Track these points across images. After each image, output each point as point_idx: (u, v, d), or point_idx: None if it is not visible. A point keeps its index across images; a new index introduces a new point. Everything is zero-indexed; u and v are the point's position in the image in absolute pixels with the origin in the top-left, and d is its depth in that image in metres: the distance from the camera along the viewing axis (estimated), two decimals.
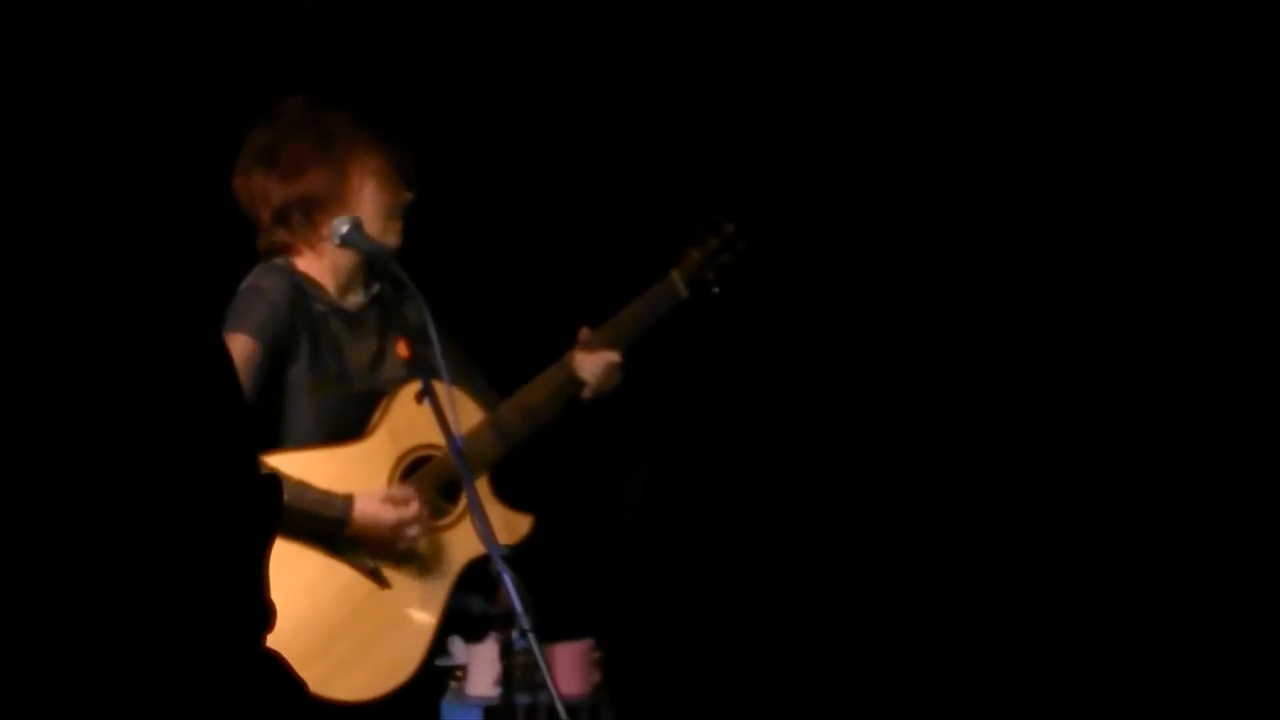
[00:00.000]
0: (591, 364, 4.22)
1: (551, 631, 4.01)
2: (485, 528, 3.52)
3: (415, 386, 3.84)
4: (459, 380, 4.02)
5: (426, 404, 3.71)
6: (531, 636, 3.46)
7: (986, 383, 5.37)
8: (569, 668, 4.60)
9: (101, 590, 1.39)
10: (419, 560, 4.10)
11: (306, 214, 3.99)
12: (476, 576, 4.44)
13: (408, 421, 4.00)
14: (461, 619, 4.71)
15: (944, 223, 5.39)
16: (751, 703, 5.31)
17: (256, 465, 1.49)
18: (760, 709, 5.31)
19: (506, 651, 3.86)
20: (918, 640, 5.29)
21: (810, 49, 5.41)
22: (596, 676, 4.91)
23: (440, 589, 4.13)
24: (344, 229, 3.92)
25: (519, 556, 3.61)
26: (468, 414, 4.18)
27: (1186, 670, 5.10)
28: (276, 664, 1.48)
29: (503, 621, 4.73)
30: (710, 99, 5.38)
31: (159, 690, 1.40)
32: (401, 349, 3.90)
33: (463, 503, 4.09)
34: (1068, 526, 5.25)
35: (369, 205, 4.03)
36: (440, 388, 3.87)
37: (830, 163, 5.44)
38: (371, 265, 4.00)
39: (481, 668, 4.82)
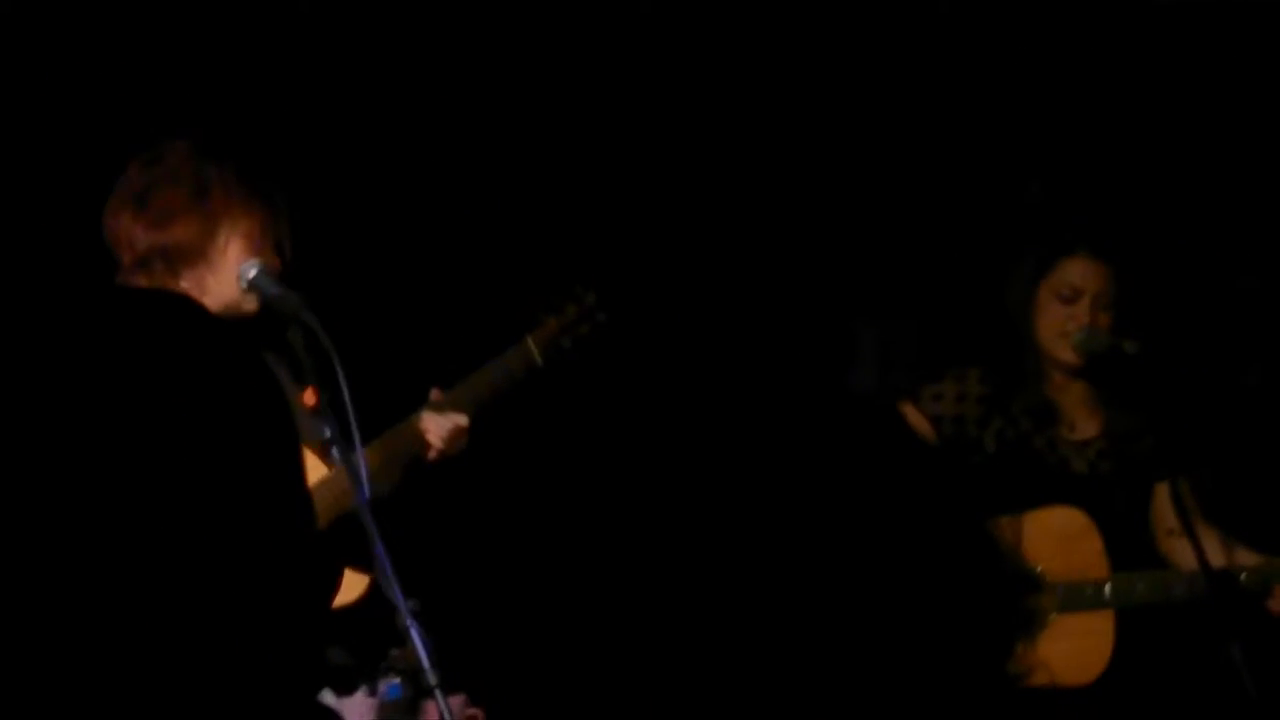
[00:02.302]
0: (438, 426, 4.16)
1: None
2: (393, 582, 3.48)
3: None
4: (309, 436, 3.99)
5: (335, 457, 3.65)
6: (439, 693, 3.43)
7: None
8: None
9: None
10: None
11: (169, 264, 3.88)
12: (343, 628, 4.38)
13: None
14: (325, 671, 4.65)
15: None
16: None
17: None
18: None
19: (410, 706, 3.82)
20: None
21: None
22: None
23: None
24: (252, 272, 3.86)
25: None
26: (309, 467, 4.11)
27: None
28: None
29: (373, 674, 4.69)
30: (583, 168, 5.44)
31: None
32: (309, 397, 3.85)
33: None
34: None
35: (231, 266, 3.93)
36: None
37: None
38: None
39: None
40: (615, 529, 5.47)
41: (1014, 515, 4.69)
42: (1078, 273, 4.75)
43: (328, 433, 3.69)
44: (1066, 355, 4.76)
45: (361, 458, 3.61)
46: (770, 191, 5.68)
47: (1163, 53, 5.50)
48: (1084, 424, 4.82)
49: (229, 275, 3.90)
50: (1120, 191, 5.54)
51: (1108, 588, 4.67)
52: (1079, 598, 4.67)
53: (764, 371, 5.56)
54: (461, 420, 4.16)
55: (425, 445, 4.17)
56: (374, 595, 3.80)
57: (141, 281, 3.90)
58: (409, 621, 3.44)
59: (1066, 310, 4.75)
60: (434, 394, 4.21)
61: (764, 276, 5.66)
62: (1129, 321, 4.73)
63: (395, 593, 3.46)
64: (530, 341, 4.34)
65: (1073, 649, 4.65)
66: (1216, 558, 4.60)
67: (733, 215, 5.67)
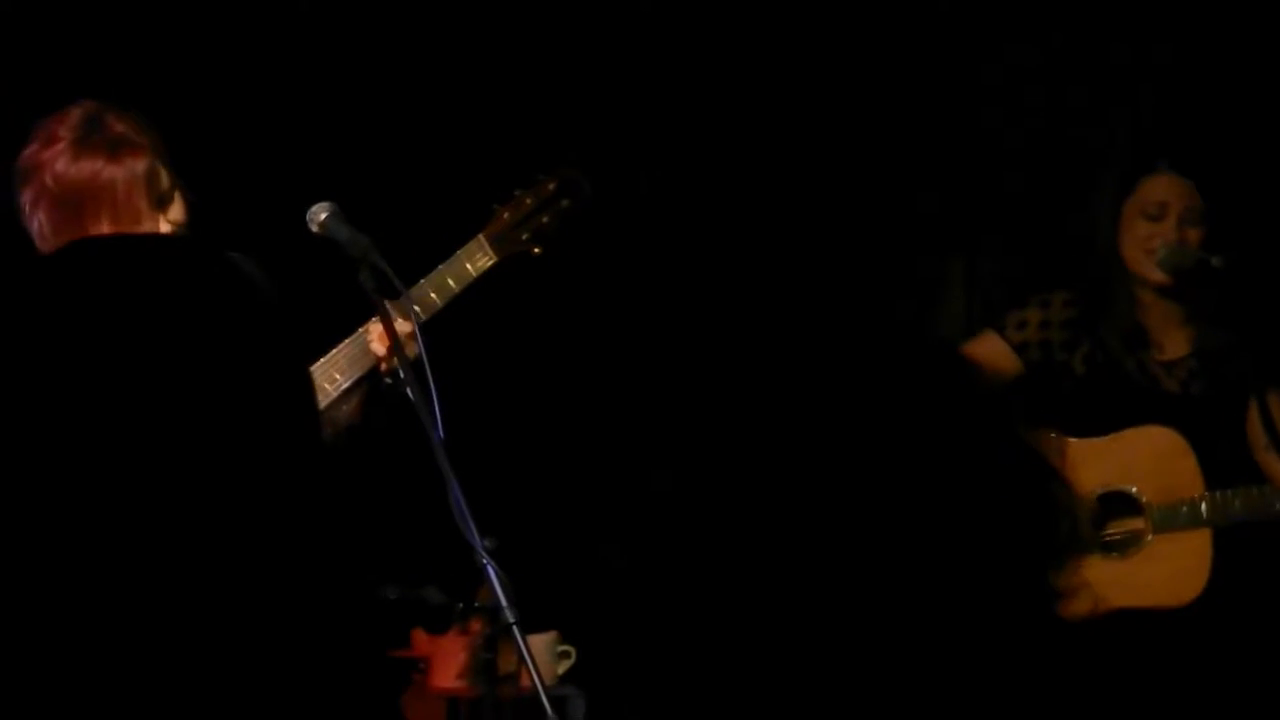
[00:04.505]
0: (388, 336, 3.94)
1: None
2: (469, 521, 3.47)
3: None
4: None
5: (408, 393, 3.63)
6: (516, 630, 3.42)
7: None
8: (535, 660, 4.58)
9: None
10: None
11: None
12: (437, 568, 4.38)
13: None
14: (422, 611, 4.67)
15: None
16: (720, 691, 5.31)
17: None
18: (729, 697, 5.31)
19: (489, 645, 3.83)
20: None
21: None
22: (561, 668, 4.90)
23: None
24: (322, 215, 3.83)
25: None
26: None
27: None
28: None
29: (466, 614, 4.70)
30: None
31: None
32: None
33: None
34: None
35: None
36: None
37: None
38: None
39: (445, 660, 4.80)
40: (705, 464, 5.45)
41: (1106, 437, 4.66)
42: (1162, 189, 4.70)
43: (401, 374, 3.68)
44: (1153, 273, 4.70)
45: (435, 399, 3.59)
46: (856, 122, 5.64)
47: None
48: (1173, 344, 4.77)
49: None
50: (1202, 107, 5.46)
51: (1204, 506, 4.63)
52: (1175, 517, 4.63)
53: (844, 306, 5.53)
54: (406, 327, 3.96)
55: (375, 356, 4.02)
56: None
57: None
58: (485, 560, 3.43)
59: (1152, 227, 4.70)
60: (380, 303, 4.09)
61: (849, 209, 5.63)
62: (1217, 237, 4.68)
63: (470, 532, 3.45)
64: (482, 238, 4.16)
65: (1170, 570, 4.61)
66: None
67: (816, 148, 5.63)
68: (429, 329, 4.00)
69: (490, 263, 4.14)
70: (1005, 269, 5.64)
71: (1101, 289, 4.76)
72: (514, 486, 5.06)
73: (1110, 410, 4.69)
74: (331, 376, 3.96)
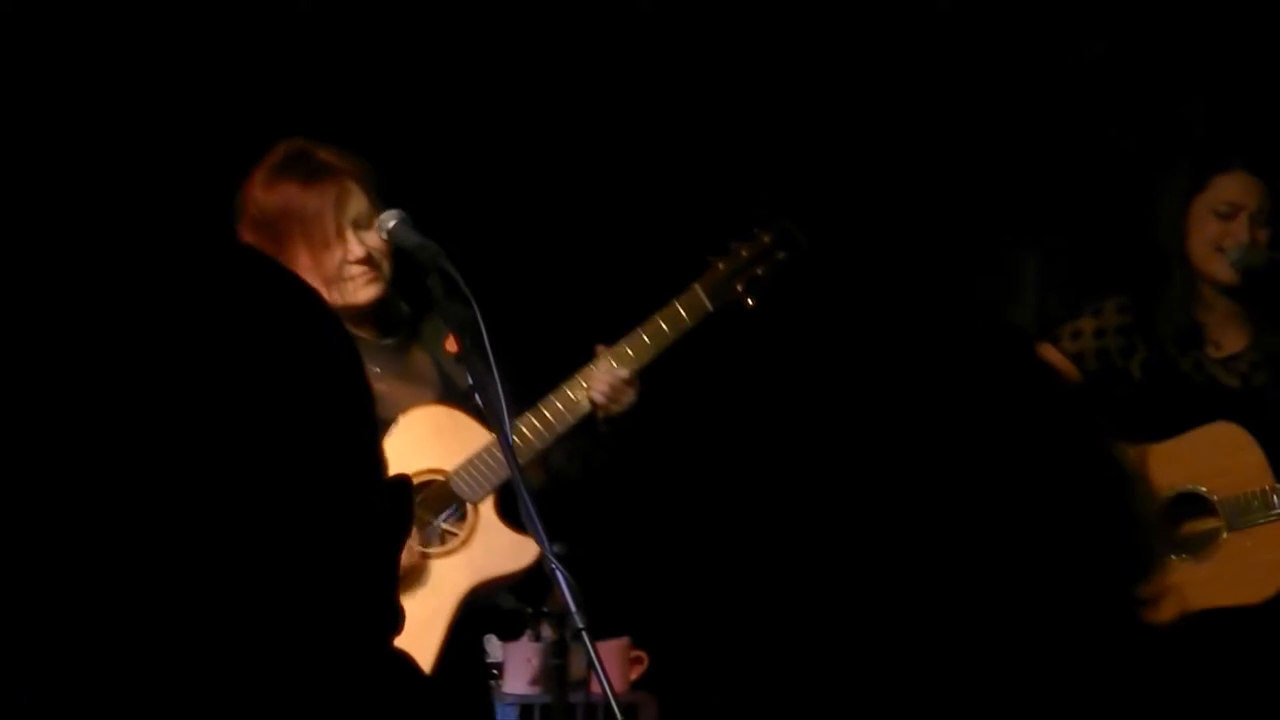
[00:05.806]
0: (599, 381, 4.03)
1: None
2: (537, 525, 3.46)
3: (424, 406, 3.83)
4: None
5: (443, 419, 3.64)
6: (585, 636, 3.41)
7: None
8: (607, 665, 4.58)
9: (239, 593, 1.35)
10: (413, 589, 3.85)
11: None
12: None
13: (412, 445, 3.87)
14: (495, 617, 4.66)
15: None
16: (795, 698, 5.28)
17: (384, 466, 1.45)
18: (804, 704, 5.28)
19: (559, 650, 3.82)
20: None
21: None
22: (633, 674, 4.89)
23: (438, 621, 3.88)
24: (391, 223, 3.86)
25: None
26: (472, 435, 4.00)
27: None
28: (405, 664, 1.46)
29: (537, 620, 4.69)
30: (751, 101, 5.38)
31: (294, 690, 1.38)
32: (451, 344, 3.85)
33: (469, 527, 3.96)
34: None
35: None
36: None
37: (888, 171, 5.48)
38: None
39: (518, 666, 4.80)
40: (772, 465, 5.43)
41: (1170, 439, 4.62)
42: (1236, 188, 4.66)
43: (470, 379, 3.68)
44: (1221, 272, 4.67)
45: (503, 401, 3.59)
46: (934, 118, 5.62)
47: None
48: (1230, 340, 4.73)
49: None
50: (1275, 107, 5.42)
51: (1275, 497, 4.58)
52: (1247, 511, 4.59)
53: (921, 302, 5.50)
54: (622, 374, 4.04)
55: (592, 403, 4.04)
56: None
57: None
58: (554, 565, 3.42)
59: (1223, 226, 4.66)
60: (597, 349, 4.10)
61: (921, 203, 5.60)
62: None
63: (540, 536, 3.45)
64: (698, 288, 4.14)
65: (1248, 566, 4.57)
66: None
67: (895, 142, 5.61)
68: (644, 374, 4.05)
69: (705, 313, 4.11)
70: (1076, 267, 5.61)
71: (1158, 285, 4.73)
72: (584, 491, 5.04)
73: (1172, 412, 4.66)
74: (532, 427, 4.00)
